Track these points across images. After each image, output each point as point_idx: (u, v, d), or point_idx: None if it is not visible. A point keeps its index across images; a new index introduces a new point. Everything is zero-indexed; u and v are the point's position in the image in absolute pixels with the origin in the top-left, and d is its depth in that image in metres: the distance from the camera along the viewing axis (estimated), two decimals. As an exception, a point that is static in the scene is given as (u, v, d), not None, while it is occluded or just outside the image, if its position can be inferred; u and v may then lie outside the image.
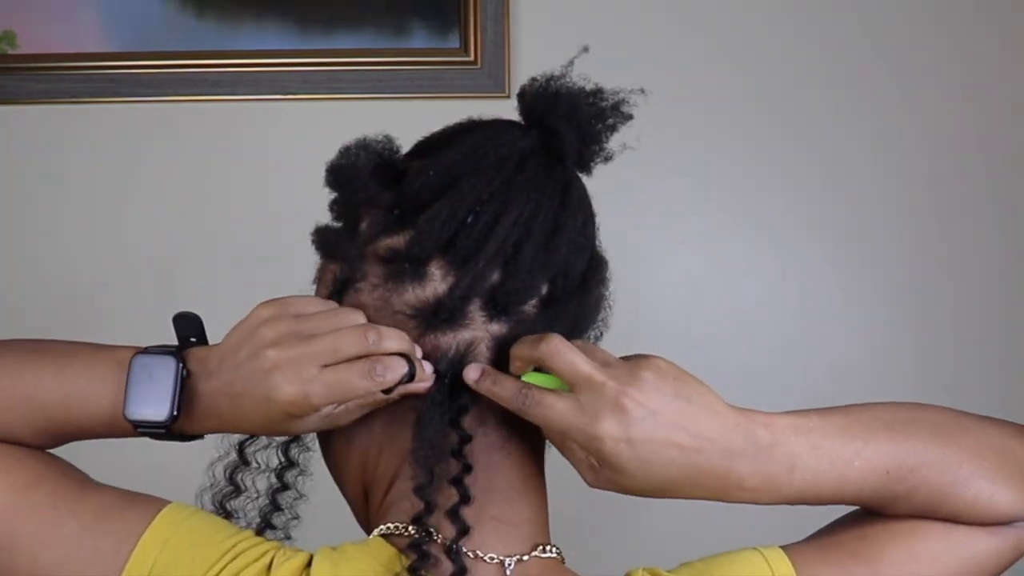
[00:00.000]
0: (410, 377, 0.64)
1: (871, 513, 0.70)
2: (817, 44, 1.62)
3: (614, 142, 0.71)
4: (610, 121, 0.70)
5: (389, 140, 0.72)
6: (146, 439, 0.68)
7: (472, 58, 1.55)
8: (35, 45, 1.58)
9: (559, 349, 0.63)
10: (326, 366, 0.63)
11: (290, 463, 0.74)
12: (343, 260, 0.69)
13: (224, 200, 1.62)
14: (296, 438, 0.73)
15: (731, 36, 1.61)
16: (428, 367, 0.66)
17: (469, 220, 0.66)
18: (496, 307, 0.67)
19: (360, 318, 0.66)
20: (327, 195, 0.71)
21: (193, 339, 0.70)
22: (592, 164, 0.72)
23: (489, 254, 0.66)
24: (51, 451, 0.70)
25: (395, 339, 0.65)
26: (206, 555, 0.64)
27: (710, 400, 0.64)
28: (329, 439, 0.72)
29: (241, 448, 0.73)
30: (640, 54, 1.59)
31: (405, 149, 0.73)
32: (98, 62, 1.58)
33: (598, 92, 0.70)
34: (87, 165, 1.61)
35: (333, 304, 0.68)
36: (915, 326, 1.62)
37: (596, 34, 1.59)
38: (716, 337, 1.60)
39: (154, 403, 0.66)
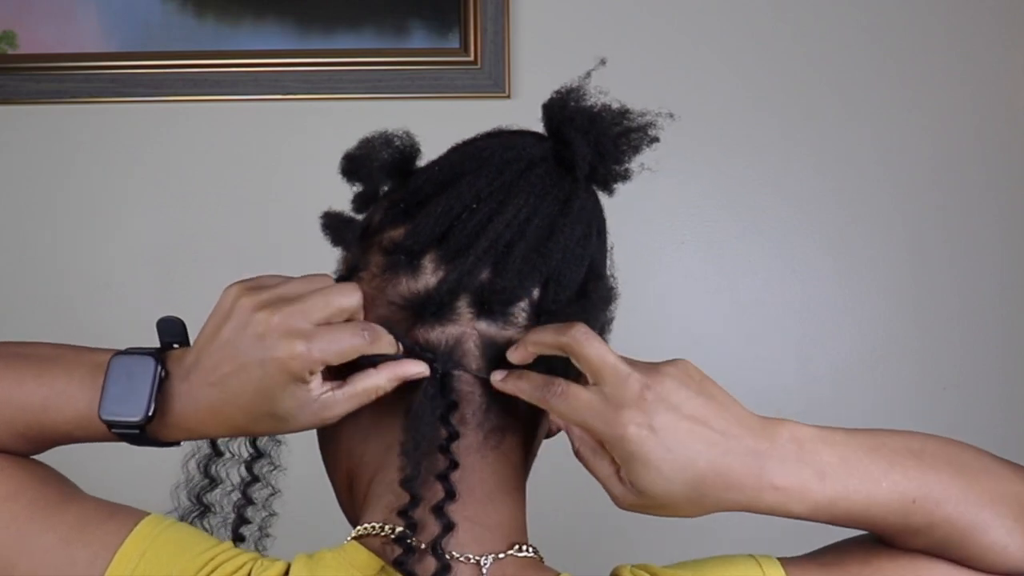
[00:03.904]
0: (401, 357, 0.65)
1: (879, 541, 0.68)
2: (818, 44, 1.62)
3: (648, 164, 0.71)
4: (634, 141, 0.70)
5: (409, 136, 0.72)
6: (126, 445, 0.68)
7: (472, 58, 1.55)
8: (35, 45, 1.58)
9: (586, 336, 0.62)
10: (318, 325, 0.63)
11: (259, 453, 0.73)
12: (344, 246, 0.70)
13: (224, 200, 1.62)
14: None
15: (732, 36, 1.61)
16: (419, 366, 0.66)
17: (464, 216, 0.66)
18: (484, 305, 0.66)
19: (330, 280, 0.66)
20: (330, 192, 0.72)
21: (176, 344, 0.69)
22: (610, 182, 0.71)
23: (480, 251, 0.66)
24: (38, 458, 0.70)
25: (385, 335, 0.65)
26: (184, 568, 0.63)
27: (734, 402, 0.63)
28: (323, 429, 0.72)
29: (213, 439, 0.72)
30: (640, 54, 1.59)
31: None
32: (98, 62, 1.58)
33: (623, 111, 0.70)
34: (87, 165, 1.61)
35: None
36: (915, 326, 1.62)
37: (596, 34, 1.60)
38: (716, 337, 1.60)
39: (130, 403, 0.64)
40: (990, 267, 1.62)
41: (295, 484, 0.77)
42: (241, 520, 0.74)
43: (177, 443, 0.69)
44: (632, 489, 0.62)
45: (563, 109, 0.69)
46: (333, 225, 0.70)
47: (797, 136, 1.62)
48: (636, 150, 0.70)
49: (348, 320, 0.65)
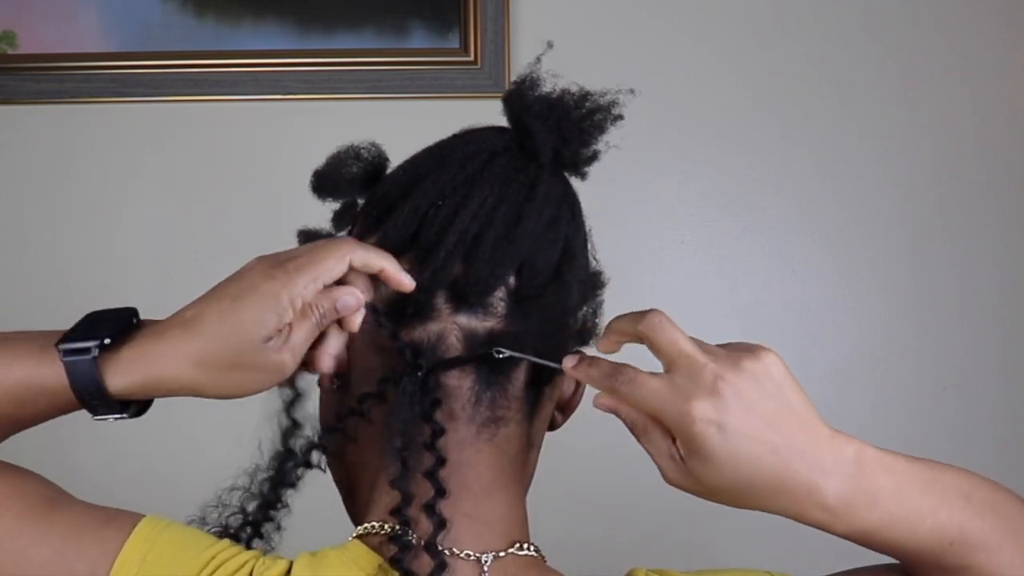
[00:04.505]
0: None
1: (904, 572, 0.67)
2: (818, 43, 1.62)
3: (614, 143, 0.71)
4: (598, 119, 0.70)
5: (376, 147, 0.72)
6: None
7: (472, 58, 1.55)
8: (35, 45, 1.58)
9: (662, 323, 0.61)
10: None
11: (295, 423, 0.72)
12: None
13: (224, 200, 1.62)
14: (297, 396, 0.72)
15: (732, 36, 1.61)
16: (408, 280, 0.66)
17: (430, 213, 0.67)
18: (460, 298, 0.67)
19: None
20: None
21: None
22: (578, 165, 0.72)
23: (449, 245, 0.66)
24: (19, 467, 0.68)
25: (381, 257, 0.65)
26: (187, 568, 0.63)
27: (808, 408, 0.60)
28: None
29: (289, 407, 0.71)
30: (640, 54, 1.59)
31: (401, 149, 0.73)
32: (98, 62, 1.58)
33: (584, 94, 0.70)
34: (87, 165, 1.61)
35: None
36: (915, 326, 1.62)
37: (595, 34, 1.60)
38: (716, 337, 1.59)
39: (90, 333, 0.63)
40: (990, 267, 1.62)
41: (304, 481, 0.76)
42: (267, 506, 0.71)
43: (127, 409, 0.65)
44: (685, 472, 0.60)
45: (521, 98, 0.69)
46: (305, 241, 0.71)
47: (797, 136, 1.62)
48: (601, 130, 0.70)
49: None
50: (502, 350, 0.66)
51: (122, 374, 0.62)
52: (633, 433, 0.63)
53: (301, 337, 0.64)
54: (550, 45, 0.71)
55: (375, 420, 0.67)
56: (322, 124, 1.57)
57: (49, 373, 0.63)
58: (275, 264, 0.64)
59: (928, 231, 1.62)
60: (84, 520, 0.65)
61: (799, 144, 1.62)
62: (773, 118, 1.61)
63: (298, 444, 0.71)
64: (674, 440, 0.60)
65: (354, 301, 0.65)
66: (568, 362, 0.65)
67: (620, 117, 0.70)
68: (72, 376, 0.62)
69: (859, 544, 0.63)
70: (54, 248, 1.62)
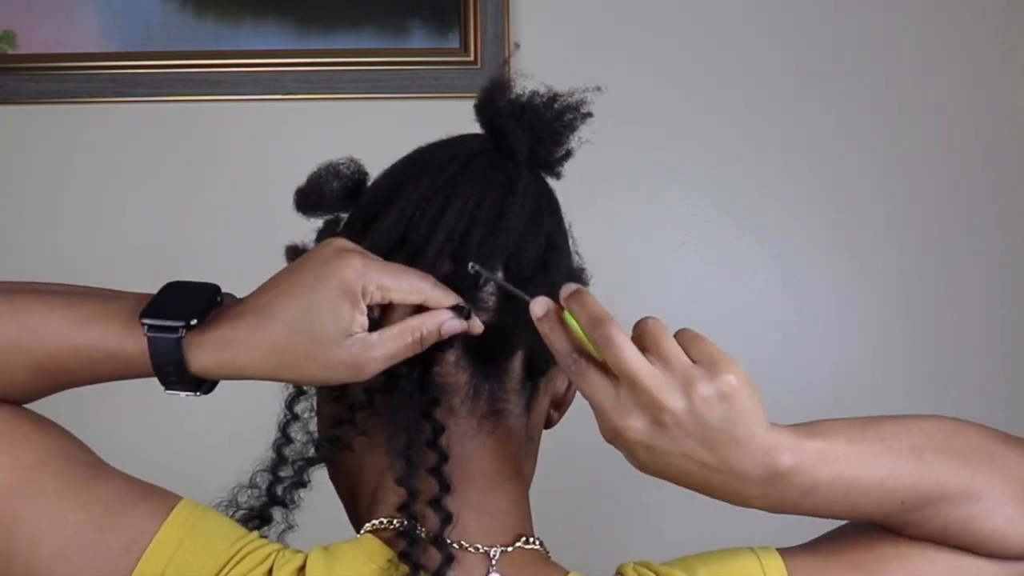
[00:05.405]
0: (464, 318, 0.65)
1: (881, 527, 0.69)
2: (817, 44, 1.62)
3: (588, 139, 0.72)
4: (568, 119, 0.71)
5: (355, 163, 0.74)
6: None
7: (472, 58, 1.55)
8: (35, 45, 1.58)
9: (610, 337, 0.60)
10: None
11: (294, 416, 0.72)
12: None
13: (224, 200, 1.62)
14: (301, 392, 0.72)
15: (731, 37, 1.61)
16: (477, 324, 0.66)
17: (416, 216, 0.68)
18: None
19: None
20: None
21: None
22: (553, 165, 0.73)
23: (437, 245, 0.67)
24: (61, 427, 0.68)
25: (453, 293, 0.65)
26: (217, 558, 0.63)
27: (751, 427, 0.61)
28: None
29: (291, 404, 0.72)
30: (640, 54, 1.59)
31: (401, 149, 0.74)
32: (98, 62, 1.58)
33: (552, 95, 0.71)
34: (87, 165, 1.61)
35: None
36: (915, 327, 1.62)
37: (595, 34, 1.60)
38: (716, 337, 1.59)
39: (176, 310, 0.62)
40: (990, 267, 1.62)
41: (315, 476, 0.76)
42: (272, 499, 0.71)
43: (202, 386, 0.65)
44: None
45: (492, 103, 0.71)
46: (292, 258, 0.71)
47: (797, 136, 1.62)
48: (572, 129, 0.71)
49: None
50: (475, 265, 0.65)
51: (204, 356, 0.63)
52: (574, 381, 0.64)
53: (394, 351, 0.63)
54: (517, 45, 0.72)
55: (370, 425, 0.68)
56: (322, 124, 1.57)
57: (130, 342, 0.63)
58: (353, 252, 0.63)
59: (928, 231, 1.62)
60: (123, 493, 0.64)
61: (799, 145, 1.62)
62: (773, 119, 1.61)
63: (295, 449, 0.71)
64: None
65: (459, 325, 0.65)
66: (537, 308, 0.64)
67: (589, 115, 0.71)
68: (154, 351, 0.62)
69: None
70: (54, 248, 1.62)
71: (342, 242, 0.64)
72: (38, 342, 0.64)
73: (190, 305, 0.63)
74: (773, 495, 0.62)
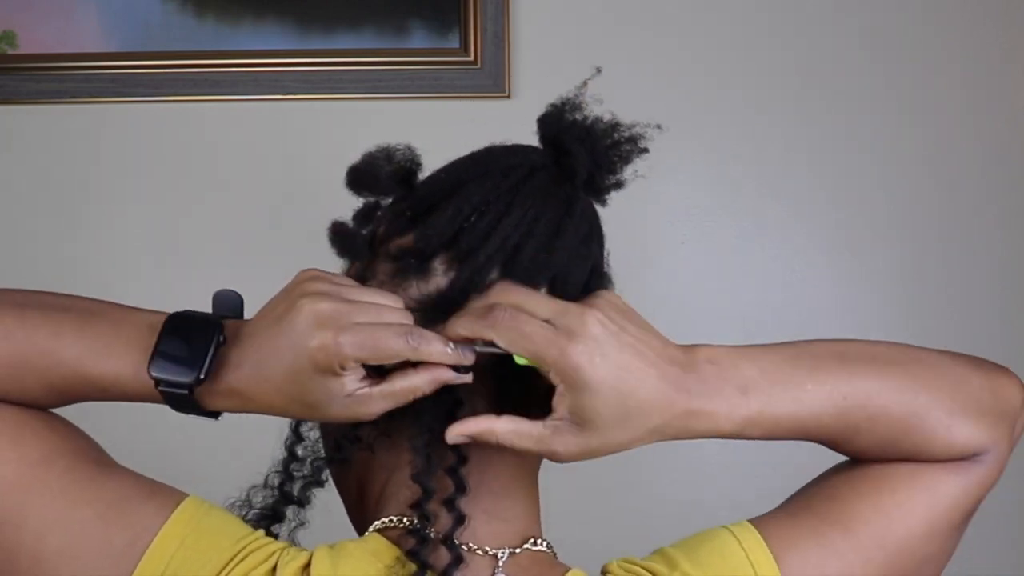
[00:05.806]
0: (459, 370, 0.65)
1: (839, 470, 0.71)
2: (817, 44, 1.62)
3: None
4: (625, 150, 0.72)
5: (410, 149, 0.73)
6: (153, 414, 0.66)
7: (472, 58, 1.55)
8: (35, 45, 1.58)
9: (508, 316, 0.63)
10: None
11: (298, 437, 0.73)
12: (352, 256, 0.71)
13: (224, 200, 1.62)
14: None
15: (731, 37, 1.61)
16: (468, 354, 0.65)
17: (473, 218, 0.67)
18: None
19: (399, 301, 0.66)
20: (330, 192, 0.72)
21: (233, 318, 0.68)
22: (604, 191, 0.73)
23: (490, 251, 0.66)
24: (69, 422, 0.68)
25: (437, 341, 0.64)
26: (220, 556, 0.63)
27: (655, 332, 0.66)
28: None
29: (296, 427, 0.72)
30: (640, 55, 1.59)
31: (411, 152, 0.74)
32: (98, 62, 1.58)
33: (614, 124, 0.71)
34: (87, 165, 1.61)
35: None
36: (916, 327, 1.62)
37: (595, 34, 1.60)
38: (716, 337, 1.59)
39: (183, 364, 0.63)
40: (990, 267, 1.62)
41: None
42: (283, 499, 0.72)
43: (217, 415, 0.67)
44: (573, 430, 0.63)
45: (559, 120, 0.71)
46: (341, 235, 0.71)
47: (797, 136, 1.62)
48: (627, 161, 0.72)
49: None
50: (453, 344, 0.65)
51: (216, 403, 0.65)
52: (508, 445, 0.65)
53: (393, 404, 0.64)
54: (598, 71, 0.72)
55: (390, 424, 0.68)
56: (322, 124, 1.57)
57: (143, 387, 0.64)
58: (325, 324, 0.61)
59: (928, 231, 1.62)
60: (129, 489, 0.65)
61: (799, 145, 1.62)
62: (773, 119, 1.61)
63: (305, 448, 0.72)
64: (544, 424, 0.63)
65: (455, 376, 0.65)
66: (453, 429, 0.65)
67: (645, 150, 0.72)
68: (168, 401, 0.65)
69: (757, 438, 0.66)
70: (54, 248, 1.62)
71: (312, 295, 0.62)
72: (53, 365, 0.65)
73: (196, 353, 0.63)
74: (715, 394, 0.64)
